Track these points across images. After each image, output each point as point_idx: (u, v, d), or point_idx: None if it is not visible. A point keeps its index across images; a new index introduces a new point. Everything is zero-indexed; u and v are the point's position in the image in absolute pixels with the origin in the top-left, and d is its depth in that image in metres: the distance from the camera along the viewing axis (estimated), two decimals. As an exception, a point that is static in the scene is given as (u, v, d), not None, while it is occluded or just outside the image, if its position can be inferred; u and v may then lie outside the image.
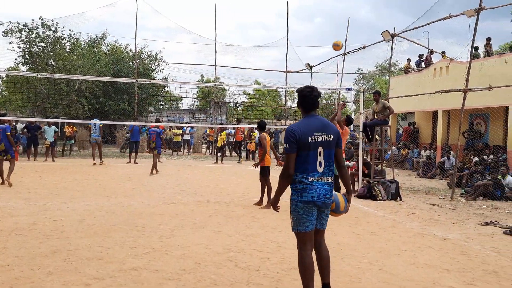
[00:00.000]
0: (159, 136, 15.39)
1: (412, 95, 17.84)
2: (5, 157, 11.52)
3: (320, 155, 4.06)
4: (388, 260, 5.73)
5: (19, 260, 5.23)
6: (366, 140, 12.68)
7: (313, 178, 4.01)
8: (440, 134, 18.94)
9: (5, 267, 4.98)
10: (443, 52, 19.73)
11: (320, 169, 4.05)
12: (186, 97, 29.50)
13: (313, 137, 4.03)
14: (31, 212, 8.02)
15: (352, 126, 10.99)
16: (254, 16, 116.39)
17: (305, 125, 4.10)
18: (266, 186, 9.53)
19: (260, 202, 9.57)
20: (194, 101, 48.06)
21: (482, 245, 6.72)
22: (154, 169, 15.14)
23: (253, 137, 21.88)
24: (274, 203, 4.29)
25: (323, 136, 4.07)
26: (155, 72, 34.27)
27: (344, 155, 10.18)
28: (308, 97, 4.19)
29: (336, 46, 9.96)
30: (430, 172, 17.05)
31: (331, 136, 4.12)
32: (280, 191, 4.17)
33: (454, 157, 13.74)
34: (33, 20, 24.60)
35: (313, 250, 4.20)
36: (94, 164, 17.35)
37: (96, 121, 18.24)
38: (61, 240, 6.16)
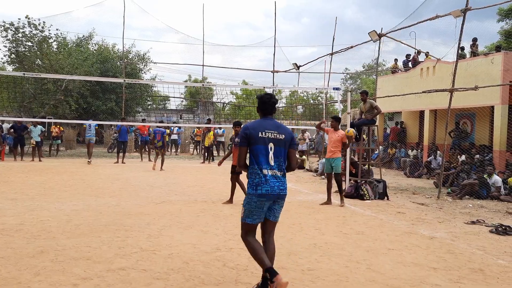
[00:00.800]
0: (163, 135, 16.32)
1: (399, 95, 17.98)
2: None
3: (271, 150, 4.40)
4: (376, 259, 5.77)
5: (6, 260, 5.17)
6: (353, 139, 12.76)
7: (266, 172, 4.33)
8: (427, 133, 19.08)
9: (-9, 268, 4.92)
10: (427, 52, 19.91)
11: (272, 163, 4.39)
12: (173, 97, 29.46)
13: (263, 132, 4.41)
14: (18, 213, 7.93)
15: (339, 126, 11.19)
16: (242, 16, 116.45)
17: (259, 124, 4.49)
18: (237, 183, 9.77)
19: (230, 201, 9.72)
20: (182, 101, 47.99)
21: (468, 243, 6.79)
22: (162, 165, 16.41)
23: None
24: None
25: (274, 134, 4.44)
26: (142, 72, 34.14)
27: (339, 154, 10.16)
28: (267, 103, 4.55)
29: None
30: (417, 172, 17.20)
31: (283, 135, 4.48)
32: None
33: (441, 156, 13.87)
34: (19, 19, 24.43)
35: (262, 242, 4.48)
36: (89, 162, 17.89)
37: (91, 122, 19.03)
38: (48, 241, 6.11)
